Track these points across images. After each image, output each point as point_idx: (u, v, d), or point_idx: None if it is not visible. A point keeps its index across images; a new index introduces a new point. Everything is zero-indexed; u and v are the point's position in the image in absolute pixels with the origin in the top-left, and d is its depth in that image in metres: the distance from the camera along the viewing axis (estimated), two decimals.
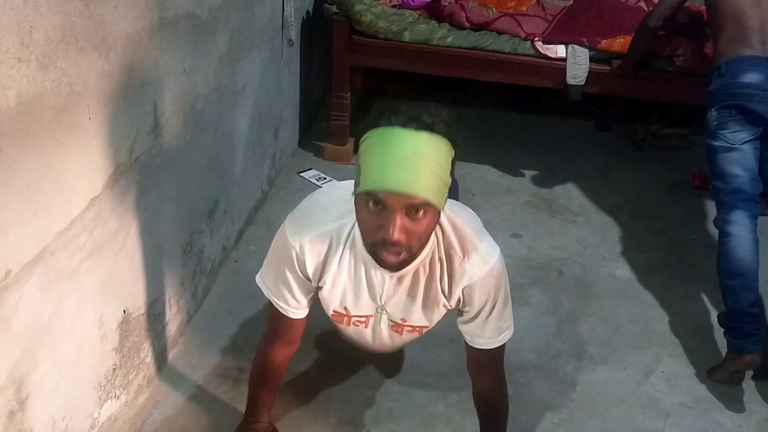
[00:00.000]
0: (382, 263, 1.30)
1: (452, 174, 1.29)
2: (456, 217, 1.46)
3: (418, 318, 1.54)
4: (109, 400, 1.70)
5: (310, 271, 1.48)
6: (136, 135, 1.64)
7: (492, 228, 2.71)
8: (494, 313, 1.51)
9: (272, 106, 2.74)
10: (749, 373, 2.11)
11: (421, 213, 1.23)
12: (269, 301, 1.57)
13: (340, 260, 1.45)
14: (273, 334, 1.63)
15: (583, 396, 2.03)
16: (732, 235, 2.20)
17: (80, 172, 1.44)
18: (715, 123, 2.33)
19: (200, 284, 2.20)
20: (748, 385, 2.10)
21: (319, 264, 1.47)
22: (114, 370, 1.70)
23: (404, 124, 1.20)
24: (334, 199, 1.49)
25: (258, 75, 2.51)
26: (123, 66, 1.54)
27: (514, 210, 2.89)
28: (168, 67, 1.76)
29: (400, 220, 1.22)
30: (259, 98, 2.56)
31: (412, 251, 1.29)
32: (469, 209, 1.62)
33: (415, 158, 1.19)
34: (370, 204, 1.24)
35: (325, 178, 2.97)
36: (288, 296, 1.53)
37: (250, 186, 2.59)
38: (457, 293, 1.48)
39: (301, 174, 3.00)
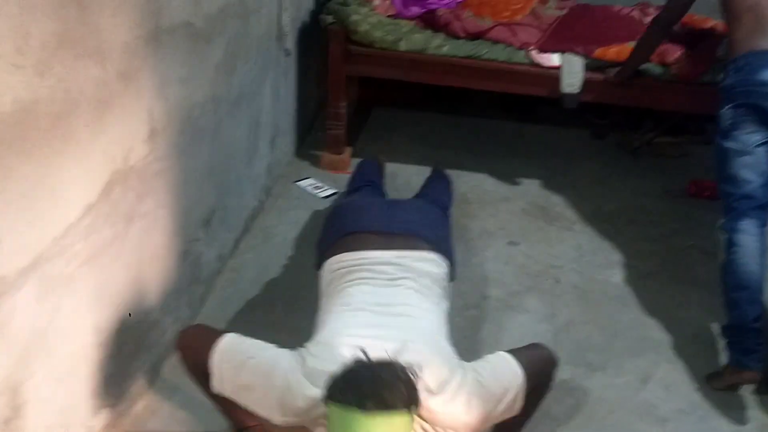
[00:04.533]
0: None
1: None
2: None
3: None
4: (104, 409, 1.70)
5: None
6: (132, 142, 1.65)
7: (489, 236, 2.76)
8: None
9: (269, 115, 2.74)
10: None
11: None
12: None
13: None
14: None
15: (581, 403, 2.02)
16: (740, 245, 2.10)
17: (76, 179, 1.44)
18: (729, 122, 2.17)
19: (196, 293, 2.19)
20: (746, 392, 2.09)
21: None
22: (109, 377, 1.70)
23: (361, 407, 1.28)
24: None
25: (254, 84, 2.52)
26: (119, 73, 1.54)
27: (511, 218, 2.89)
28: (164, 76, 1.77)
29: None
30: (255, 107, 2.56)
31: None
32: (436, 351, 1.58)
33: None
34: None
35: (321, 187, 2.97)
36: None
37: (246, 195, 2.59)
38: None
39: (297, 183, 3.00)
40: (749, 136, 2.15)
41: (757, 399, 2.08)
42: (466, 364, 1.56)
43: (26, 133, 1.26)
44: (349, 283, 1.73)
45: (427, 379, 1.44)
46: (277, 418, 1.49)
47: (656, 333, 2.32)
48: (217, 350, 1.52)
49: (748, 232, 2.11)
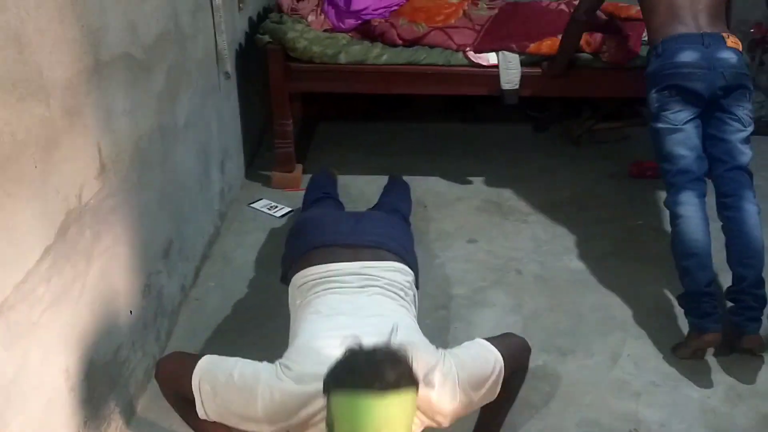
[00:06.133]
0: None
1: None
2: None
3: None
4: None
5: None
6: (83, 179, 1.61)
7: (447, 236, 2.79)
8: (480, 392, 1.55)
9: (215, 139, 2.72)
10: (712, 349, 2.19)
11: None
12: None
13: None
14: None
15: (557, 387, 2.06)
16: (682, 216, 2.23)
17: (31, 221, 1.40)
18: (656, 105, 2.33)
19: (162, 326, 2.15)
20: (712, 359, 2.17)
21: None
22: (85, 422, 1.65)
23: (371, 387, 1.25)
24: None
25: (198, 110, 2.50)
26: (64, 111, 1.52)
27: (467, 217, 2.94)
28: (109, 109, 1.74)
29: None
30: (201, 133, 2.54)
31: None
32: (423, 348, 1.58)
33: (385, 427, 1.25)
34: None
35: (276, 207, 2.96)
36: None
37: (202, 222, 2.56)
38: None
39: (251, 205, 2.98)
40: (676, 115, 2.30)
41: (722, 363, 2.15)
42: (445, 351, 1.58)
43: None
44: (317, 294, 1.73)
45: (415, 366, 1.38)
46: (266, 429, 1.47)
47: (619, 311, 2.39)
48: (197, 373, 1.49)
49: (689, 203, 2.25)
